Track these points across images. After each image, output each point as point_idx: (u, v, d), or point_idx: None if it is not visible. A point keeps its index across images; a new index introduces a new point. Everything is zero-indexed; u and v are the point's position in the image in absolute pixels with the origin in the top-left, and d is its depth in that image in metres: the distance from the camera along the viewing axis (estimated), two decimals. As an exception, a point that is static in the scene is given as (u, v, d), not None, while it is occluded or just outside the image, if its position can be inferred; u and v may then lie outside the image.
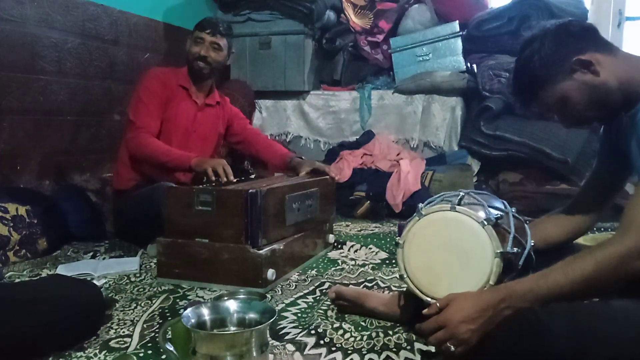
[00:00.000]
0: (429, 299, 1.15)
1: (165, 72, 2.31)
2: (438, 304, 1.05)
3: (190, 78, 2.34)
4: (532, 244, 1.18)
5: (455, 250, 1.15)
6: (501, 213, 1.19)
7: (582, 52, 1.13)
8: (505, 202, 1.27)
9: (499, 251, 1.10)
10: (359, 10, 3.53)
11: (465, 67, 3.28)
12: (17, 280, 1.76)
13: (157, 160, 2.13)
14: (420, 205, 1.24)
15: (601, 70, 1.13)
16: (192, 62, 2.30)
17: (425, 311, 1.08)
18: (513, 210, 1.22)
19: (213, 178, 1.90)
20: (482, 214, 1.15)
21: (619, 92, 1.13)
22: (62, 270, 1.83)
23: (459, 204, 1.18)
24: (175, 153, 2.13)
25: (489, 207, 1.19)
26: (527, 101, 1.24)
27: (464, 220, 1.15)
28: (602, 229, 2.34)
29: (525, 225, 1.23)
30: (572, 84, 1.14)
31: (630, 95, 1.12)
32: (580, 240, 1.68)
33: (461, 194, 1.22)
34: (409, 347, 1.23)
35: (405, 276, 1.21)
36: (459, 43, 3.26)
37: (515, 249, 1.13)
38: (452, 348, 1.00)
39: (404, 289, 1.38)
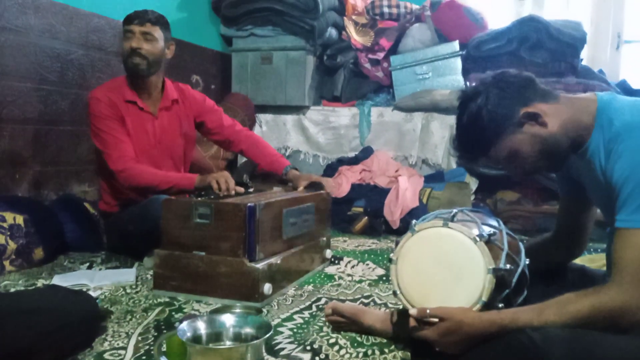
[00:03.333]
0: None
1: (106, 93, 2.13)
2: (428, 311, 1.09)
3: (133, 84, 2.18)
4: (527, 262, 1.18)
5: (447, 266, 1.15)
6: (494, 230, 1.20)
7: (527, 104, 1.12)
8: (499, 219, 1.28)
9: (491, 267, 1.10)
10: (360, 28, 3.57)
11: (464, 86, 3.31)
12: (12, 289, 1.75)
13: (157, 190, 2.05)
14: (414, 221, 1.24)
15: (548, 120, 1.12)
16: (126, 62, 2.12)
17: (412, 312, 1.13)
18: (507, 229, 1.23)
19: (218, 190, 1.90)
20: (475, 231, 1.16)
21: (567, 138, 1.13)
22: (57, 280, 1.83)
23: (452, 221, 1.19)
24: (175, 178, 2.07)
25: (483, 224, 1.19)
26: (476, 157, 1.22)
27: (456, 236, 1.16)
28: (599, 250, 2.34)
29: (520, 243, 1.24)
30: (522, 137, 1.13)
31: (577, 137, 1.13)
32: (578, 261, 1.68)
33: (454, 211, 1.23)
34: (404, 365, 1.23)
35: (398, 292, 1.21)
36: (458, 62, 3.30)
37: (508, 266, 1.13)
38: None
39: (401, 306, 1.37)
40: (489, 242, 1.14)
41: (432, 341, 1.09)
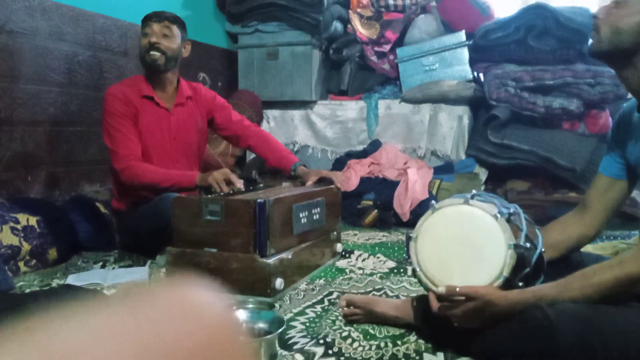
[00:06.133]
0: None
1: (123, 89, 2.17)
2: (458, 289, 1.08)
3: (150, 80, 2.22)
4: (543, 250, 1.18)
5: (468, 243, 1.15)
6: (513, 210, 1.19)
7: None
8: (516, 205, 1.27)
9: (512, 242, 1.10)
10: (366, 21, 3.55)
11: (472, 76, 3.29)
12: (27, 290, 1.77)
13: (158, 187, 2.07)
14: (434, 202, 1.25)
15: None
16: (144, 57, 2.17)
17: (441, 290, 1.10)
18: (524, 214, 1.22)
19: (218, 190, 1.91)
20: (494, 209, 1.16)
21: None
22: (72, 280, 1.85)
23: (471, 199, 1.19)
24: (176, 175, 2.09)
25: (501, 205, 1.20)
26: None
27: (477, 213, 1.16)
28: (612, 237, 2.33)
29: (537, 229, 1.23)
30: None
31: None
32: (590, 249, 1.68)
33: (473, 192, 1.23)
34: (417, 358, 1.23)
35: (417, 270, 1.20)
36: (465, 52, 3.27)
37: (528, 244, 1.12)
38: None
39: (413, 297, 1.38)
40: (509, 221, 1.14)
41: (456, 318, 1.08)
